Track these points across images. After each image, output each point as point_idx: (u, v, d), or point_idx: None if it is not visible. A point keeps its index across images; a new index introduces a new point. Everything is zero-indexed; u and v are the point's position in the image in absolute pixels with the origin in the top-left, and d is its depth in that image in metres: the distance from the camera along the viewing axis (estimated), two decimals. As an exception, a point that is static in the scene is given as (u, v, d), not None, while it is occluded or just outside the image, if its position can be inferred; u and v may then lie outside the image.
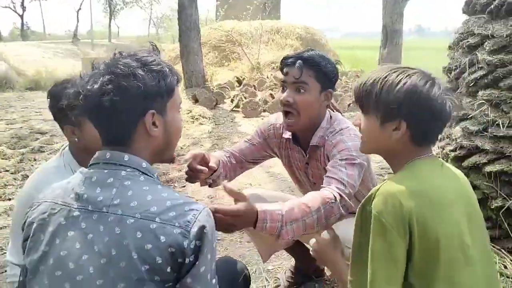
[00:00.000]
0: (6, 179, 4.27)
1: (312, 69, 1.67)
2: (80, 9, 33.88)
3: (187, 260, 0.97)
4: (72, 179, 1.09)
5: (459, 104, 1.15)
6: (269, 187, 3.86)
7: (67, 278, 0.98)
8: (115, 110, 1.01)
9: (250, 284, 1.43)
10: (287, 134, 1.87)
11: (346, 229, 1.49)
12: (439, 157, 2.77)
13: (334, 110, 1.90)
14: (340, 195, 1.50)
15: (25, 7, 34.51)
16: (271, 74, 11.21)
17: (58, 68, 13.66)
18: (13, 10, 34.85)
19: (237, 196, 1.35)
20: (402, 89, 1.15)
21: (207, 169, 1.64)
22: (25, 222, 1.09)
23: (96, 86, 1.00)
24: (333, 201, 1.47)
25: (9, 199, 3.74)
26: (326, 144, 1.73)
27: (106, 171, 1.03)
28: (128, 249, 0.95)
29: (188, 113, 7.07)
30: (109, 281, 0.95)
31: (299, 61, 1.66)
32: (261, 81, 10.22)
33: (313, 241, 1.44)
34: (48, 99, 1.65)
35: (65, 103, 1.54)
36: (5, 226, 3.17)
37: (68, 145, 1.71)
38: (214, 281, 1.04)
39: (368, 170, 1.77)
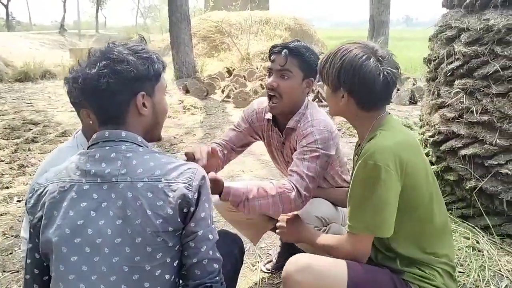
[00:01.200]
0: (2, 168, 4.31)
1: (296, 58, 1.81)
2: (66, -1, 33.31)
3: (191, 209, 1.13)
4: (73, 160, 1.18)
5: (396, 72, 1.37)
6: (261, 173, 4.02)
7: (87, 243, 1.09)
8: (110, 91, 1.13)
9: (244, 254, 1.59)
10: (268, 115, 2.02)
11: (317, 205, 1.88)
12: (420, 142, 2.96)
13: (322, 100, 2.06)
14: (297, 187, 1.70)
15: (10, -3, 33.83)
16: (261, 65, 11.27)
17: (46, 59, 13.51)
18: (-2, 0, 34.14)
19: (214, 182, 1.60)
20: (341, 64, 1.37)
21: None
22: (33, 205, 1.16)
23: (94, 70, 1.12)
24: (289, 191, 1.68)
25: (7, 188, 3.81)
26: (298, 130, 1.87)
27: (107, 147, 1.14)
28: (142, 208, 1.08)
29: (180, 103, 7.15)
30: (127, 237, 1.08)
31: (285, 50, 1.80)
32: (251, 72, 10.25)
33: (278, 224, 1.73)
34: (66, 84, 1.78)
35: (65, 89, 1.65)
36: (5, 213, 3.26)
37: (82, 128, 1.83)
38: (213, 226, 1.19)
39: (337, 154, 1.93)
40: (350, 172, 2.00)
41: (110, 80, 1.11)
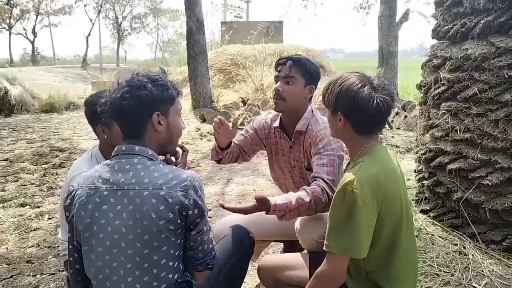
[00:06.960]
0: (33, 190, 4.63)
1: (299, 68, 2.11)
2: (89, 34, 34.73)
3: (190, 212, 1.37)
4: (99, 169, 1.44)
5: (388, 100, 1.48)
6: (271, 192, 4.30)
7: (108, 238, 1.36)
8: (131, 112, 1.40)
9: (254, 245, 1.84)
10: (275, 123, 2.29)
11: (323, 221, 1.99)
12: (415, 160, 3.23)
13: None
14: (326, 191, 1.90)
15: (36, 33, 35.46)
16: (274, 95, 11.56)
17: (69, 91, 14.04)
18: (25, 37, 35.80)
19: (263, 201, 1.77)
20: (340, 89, 1.51)
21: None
22: (69, 204, 1.43)
23: (118, 95, 1.40)
24: (320, 194, 1.89)
25: (38, 207, 4.13)
26: (310, 132, 2.12)
27: (123, 160, 1.40)
28: (148, 212, 1.33)
29: (197, 131, 7.51)
30: (137, 235, 1.34)
31: (289, 61, 2.11)
32: (265, 101, 10.54)
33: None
34: (84, 106, 2.08)
35: (98, 109, 1.97)
36: (38, 228, 3.59)
37: (98, 144, 2.12)
38: (207, 218, 1.45)
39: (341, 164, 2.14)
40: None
41: (131, 103, 1.38)
